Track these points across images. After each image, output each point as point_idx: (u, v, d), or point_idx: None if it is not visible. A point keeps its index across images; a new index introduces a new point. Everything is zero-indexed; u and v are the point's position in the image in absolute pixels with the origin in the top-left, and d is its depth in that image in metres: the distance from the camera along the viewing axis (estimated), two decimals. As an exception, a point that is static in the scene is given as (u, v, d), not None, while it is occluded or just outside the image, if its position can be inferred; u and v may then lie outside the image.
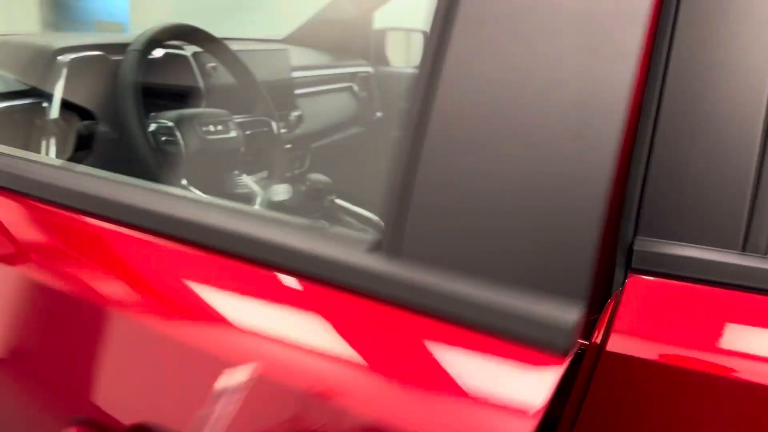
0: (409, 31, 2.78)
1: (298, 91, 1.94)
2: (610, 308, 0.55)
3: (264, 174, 1.54)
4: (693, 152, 0.55)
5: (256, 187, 1.39)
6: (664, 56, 0.56)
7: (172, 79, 1.48)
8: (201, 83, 1.50)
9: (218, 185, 1.39)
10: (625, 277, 0.56)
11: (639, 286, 0.55)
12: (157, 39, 1.21)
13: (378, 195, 0.62)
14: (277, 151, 1.49)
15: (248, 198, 1.36)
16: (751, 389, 0.50)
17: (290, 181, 1.91)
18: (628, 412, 0.53)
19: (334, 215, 1.84)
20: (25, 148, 1.13)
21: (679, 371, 0.51)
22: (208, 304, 0.67)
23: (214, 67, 1.56)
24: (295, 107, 1.89)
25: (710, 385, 0.51)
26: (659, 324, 0.54)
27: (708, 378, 0.51)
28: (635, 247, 0.55)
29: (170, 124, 1.21)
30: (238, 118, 1.38)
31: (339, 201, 1.88)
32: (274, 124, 1.48)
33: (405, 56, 3.07)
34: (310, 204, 1.86)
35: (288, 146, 1.88)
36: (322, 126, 2.10)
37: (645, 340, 0.53)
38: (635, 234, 0.56)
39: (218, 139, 1.28)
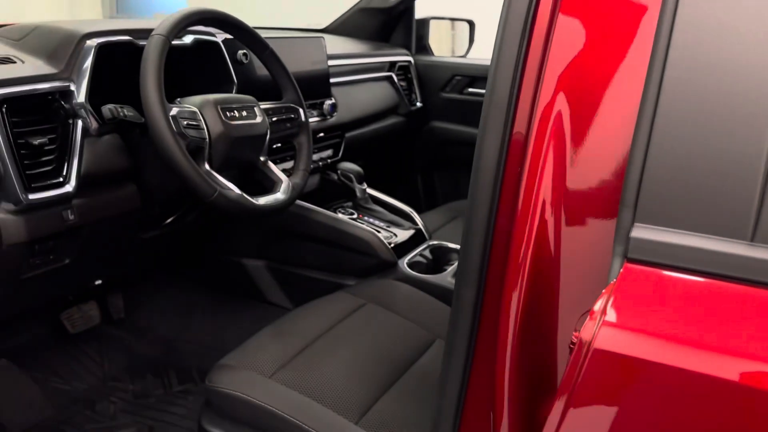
0: (453, 20, 2.73)
1: (333, 80, 1.93)
2: (603, 301, 0.51)
3: (291, 162, 1.53)
4: (698, 134, 0.50)
5: (280, 174, 1.38)
6: (666, 36, 0.51)
7: (202, 64, 1.49)
8: (231, 69, 1.51)
9: (242, 171, 1.39)
10: (621, 267, 0.51)
11: (635, 277, 0.50)
12: (182, 24, 1.21)
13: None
14: (304, 139, 1.47)
15: (272, 185, 1.36)
16: (752, 394, 0.45)
17: (321, 169, 1.91)
18: (618, 413, 0.49)
19: (365, 204, 1.82)
20: (54, 131, 1.15)
21: (673, 372, 0.47)
22: None
23: (245, 54, 1.56)
24: (329, 96, 1.88)
25: (708, 387, 0.46)
26: (655, 320, 0.49)
27: (705, 380, 0.46)
28: (633, 235, 0.51)
29: (193, 108, 1.21)
30: (265, 105, 1.38)
31: (371, 190, 1.86)
32: (301, 112, 1.47)
33: (449, 46, 3.02)
34: (341, 193, 1.85)
35: (320, 135, 1.87)
36: (359, 115, 2.08)
37: (638, 338, 0.49)
38: (633, 221, 0.52)
39: (243, 124, 1.28)
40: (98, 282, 1.48)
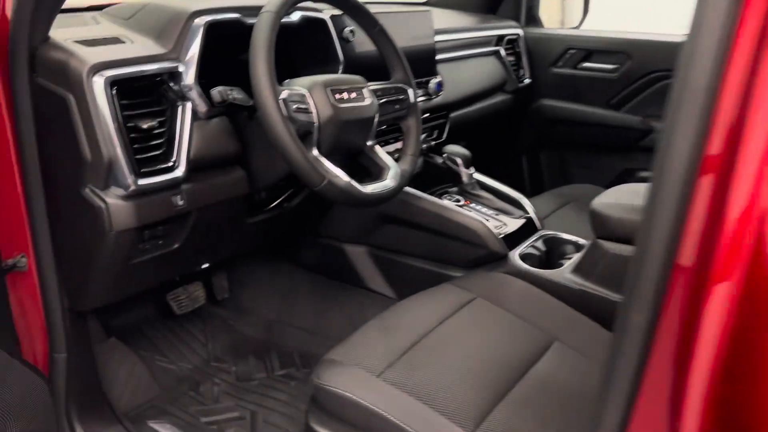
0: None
1: (440, 56, 1.82)
2: None
3: (398, 145, 1.45)
4: None
5: (388, 159, 1.30)
6: None
7: (308, 42, 1.42)
8: (338, 47, 1.44)
9: (348, 155, 1.32)
10: None
11: None
12: (292, 0, 1.15)
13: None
14: (413, 122, 1.38)
15: (379, 171, 1.28)
16: None
17: (425, 152, 1.81)
18: None
19: (472, 190, 1.72)
20: (162, 113, 1.12)
21: None
22: None
23: (352, 31, 1.48)
24: (435, 74, 1.78)
25: None
26: None
27: None
28: None
29: (303, 91, 1.15)
30: (374, 86, 1.30)
31: (478, 175, 1.75)
32: (411, 92, 1.37)
33: (558, 17, 2.82)
34: (445, 177, 1.75)
35: (425, 115, 1.77)
36: (465, 94, 1.97)
37: None
38: None
39: (352, 107, 1.21)
40: (205, 265, 1.47)
